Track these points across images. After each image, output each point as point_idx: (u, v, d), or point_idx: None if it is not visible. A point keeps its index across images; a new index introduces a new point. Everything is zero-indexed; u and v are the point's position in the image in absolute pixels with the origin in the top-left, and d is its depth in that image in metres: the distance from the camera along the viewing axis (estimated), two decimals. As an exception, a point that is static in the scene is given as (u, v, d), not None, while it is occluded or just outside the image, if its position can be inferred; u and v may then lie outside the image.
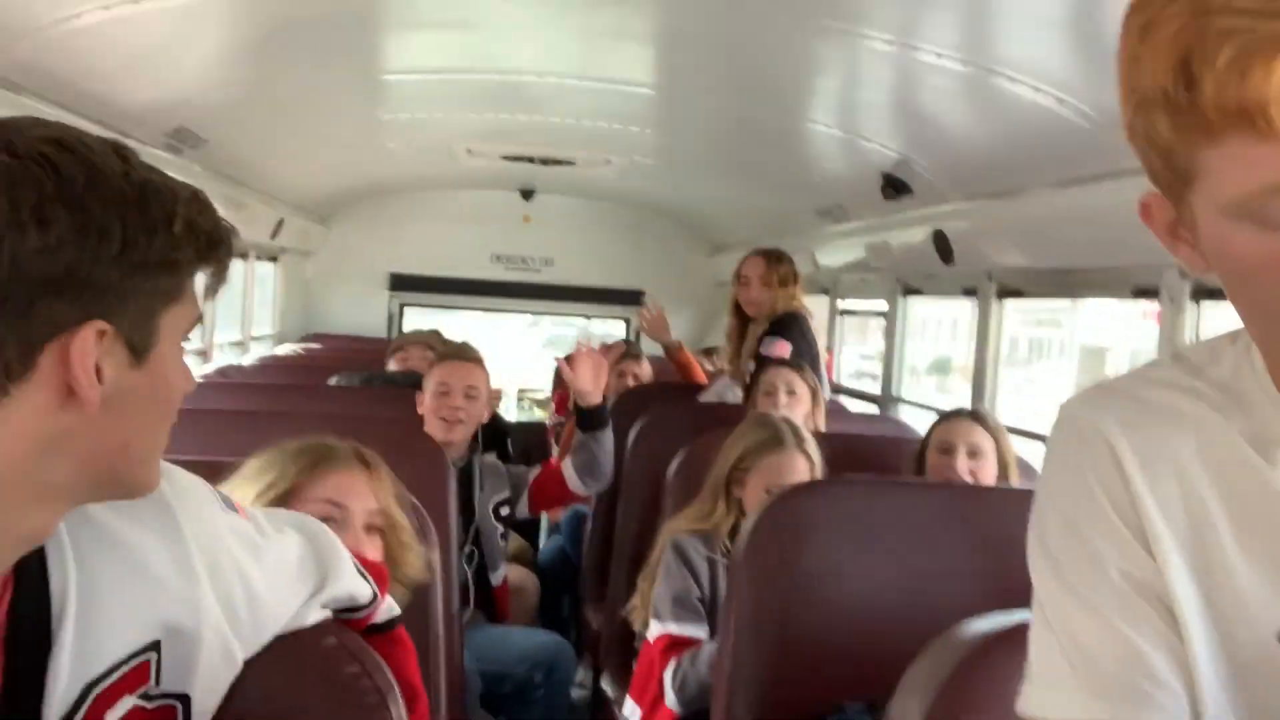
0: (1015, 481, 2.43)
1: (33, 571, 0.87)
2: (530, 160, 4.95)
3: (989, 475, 2.44)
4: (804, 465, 2.27)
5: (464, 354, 2.90)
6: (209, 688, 1.00)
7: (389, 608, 1.25)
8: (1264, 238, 0.66)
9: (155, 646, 0.95)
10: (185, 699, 0.98)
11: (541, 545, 4.27)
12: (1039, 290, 3.18)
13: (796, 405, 2.94)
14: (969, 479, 2.41)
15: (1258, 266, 0.68)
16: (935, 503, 1.97)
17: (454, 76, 3.43)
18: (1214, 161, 0.66)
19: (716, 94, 3.30)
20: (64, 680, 0.88)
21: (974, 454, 2.44)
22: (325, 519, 1.50)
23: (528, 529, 4.47)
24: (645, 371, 4.36)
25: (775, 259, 3.62)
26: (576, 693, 3.53)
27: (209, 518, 0.99)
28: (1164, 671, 0.78)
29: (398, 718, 1.11)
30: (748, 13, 2.39)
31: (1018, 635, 0.95)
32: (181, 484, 0.99)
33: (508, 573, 3.29)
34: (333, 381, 3.60)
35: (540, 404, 5.70)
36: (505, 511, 2.99)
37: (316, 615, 1.11)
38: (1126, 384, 0.84)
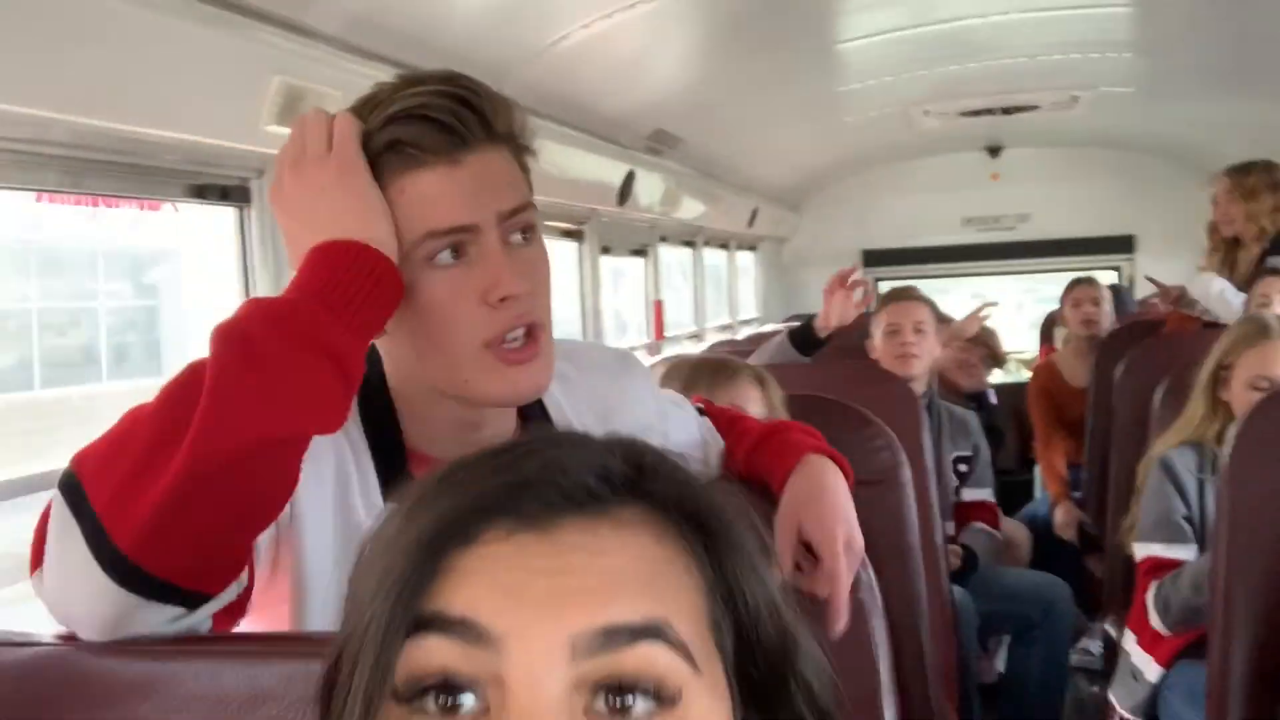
0: None
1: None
2: (990, 112, 4.85)
3: None
4: None
5: (908, 294, 3.02)
6: None
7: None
8: None
9: None
10: None
11: (1037, 495, 4.20)
12: None
13: (1297, 316, 2.66)
14: None
15: None
16: None
17: (900, 34, 3.49)
18: None
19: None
20: None
21: None
22: None
23: (1020, 482, 4.41)
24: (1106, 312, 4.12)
25: (1242, 170, 3.40)
26: (1081, 654, 3.44)
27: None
28: None
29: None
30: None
31: None
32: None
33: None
34: None
35: (1026, 363, 5.55)
36: (964, 469, 3.03)
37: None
38: None
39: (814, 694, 0.55)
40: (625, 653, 0.49)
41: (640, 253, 4.34)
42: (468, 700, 0.49)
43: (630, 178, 3.67)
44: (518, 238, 0.97)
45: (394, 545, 0.52)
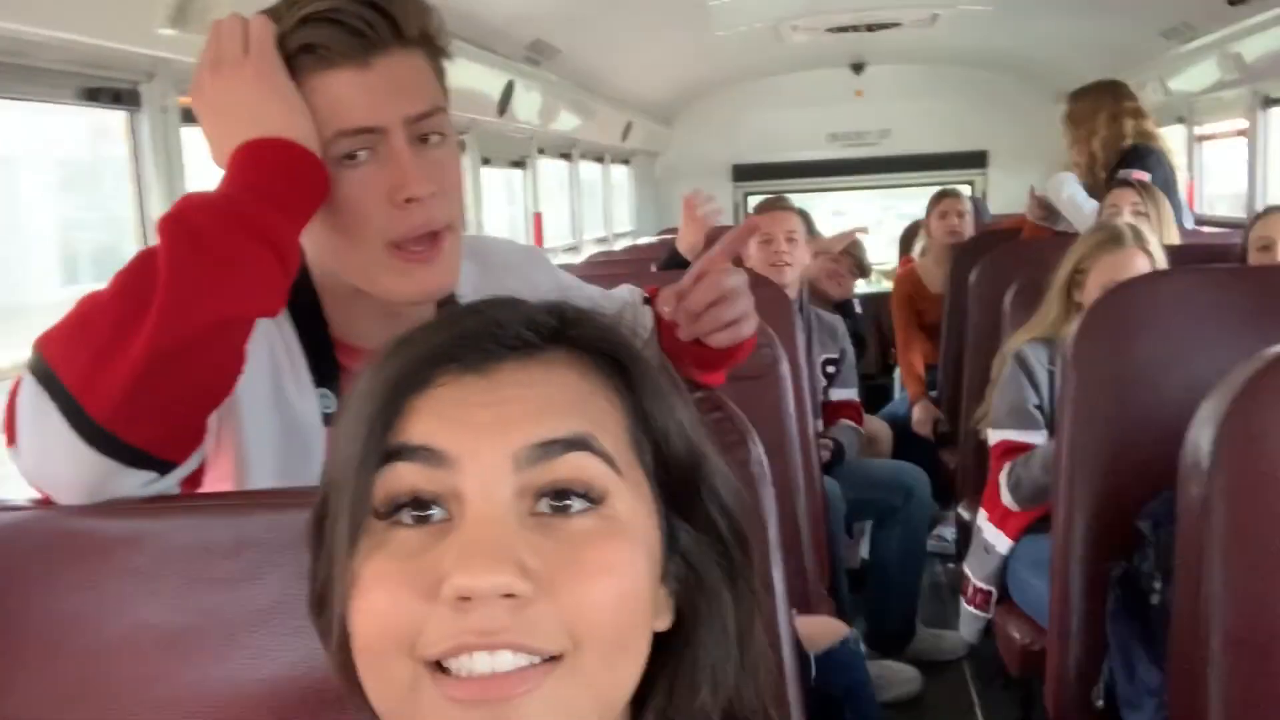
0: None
1: None
2: (856, 29, 5.00)
3: None
4: (1144, 262, 2.29)
5: (781, 204, 3.14)
6: None
7: None
8: None
9: None
10: None
11: (896, 396, 4.44)
12: None
13: (1142, 224, 2.89)
14: None
15: None
16: (1275, 289, 1.95)
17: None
18: None
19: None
20: None
21: None
22: None
23: (880, 385, 4.67)
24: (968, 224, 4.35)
25: (1073, 97, 3.67)
26: (937, 539, 3.71)
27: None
28: None
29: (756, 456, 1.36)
30: None
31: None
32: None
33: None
34: None
35: (888, 274, 5.81)
36: (831, 370, 3.22)
37: None
38: None
39: (721, 498, 0.67)
40: (558, 462, 0.61)
41: (519, 165, 4.37)
42: (436, 512, 0.60)
43: (509, 88, 3.69)
44: (429, 140, 1.02)
45: (364, 397, 0.63)
